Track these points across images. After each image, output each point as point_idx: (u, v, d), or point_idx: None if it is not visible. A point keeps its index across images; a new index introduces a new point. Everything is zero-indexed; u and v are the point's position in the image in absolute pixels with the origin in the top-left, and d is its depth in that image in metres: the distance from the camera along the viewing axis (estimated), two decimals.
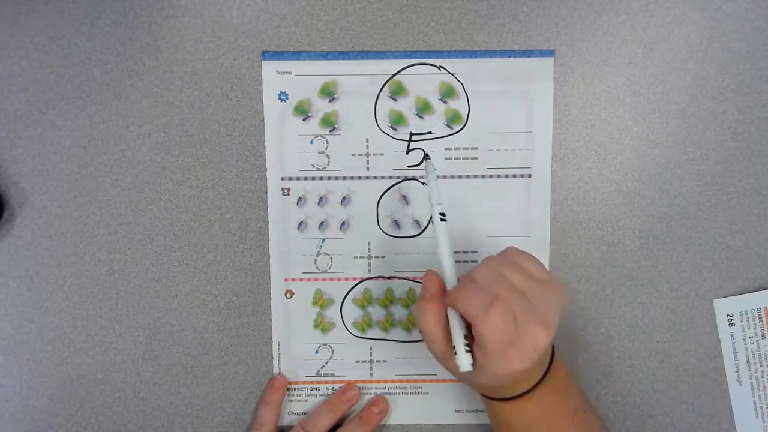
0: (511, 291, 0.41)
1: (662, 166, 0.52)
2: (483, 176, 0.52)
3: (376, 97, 0.52)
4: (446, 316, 0.43)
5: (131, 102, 0.52)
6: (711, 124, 0.52)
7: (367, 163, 0.53)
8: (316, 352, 0.54)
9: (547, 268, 0.53)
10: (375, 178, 0.53)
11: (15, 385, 0.53)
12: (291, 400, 0.54)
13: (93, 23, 0.51)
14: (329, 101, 0.52)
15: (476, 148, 0.52)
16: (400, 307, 0.54)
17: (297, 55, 0.51)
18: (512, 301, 0.40)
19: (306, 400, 0.54)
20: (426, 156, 0.51)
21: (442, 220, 0.44)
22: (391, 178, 0.53)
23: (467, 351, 0.42)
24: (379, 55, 0.51)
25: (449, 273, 0.44)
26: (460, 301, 0.42)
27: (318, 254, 0.53)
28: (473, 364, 0.42)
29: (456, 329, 0.43)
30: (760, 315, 0.52)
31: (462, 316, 0.42)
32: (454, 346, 0.42)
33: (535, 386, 0.44)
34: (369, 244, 0.53)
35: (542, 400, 0.44)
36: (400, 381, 0.54)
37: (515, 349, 0.40)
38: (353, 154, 0.52)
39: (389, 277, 0.54)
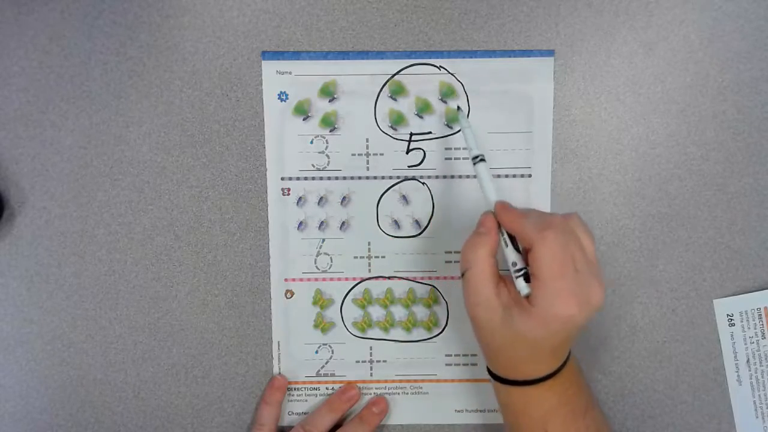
0: (570, 234, 0.42)
1: (662, 166, 0.52)
2: None
3: (376, 97, 0.52)
4: (495, 256, 0.43)
5: (131, 102, 0.52)
6: (711, 124, 0.52)
7: (367, 163, 0.53)
8: (316, 352, 0.54)
9: None
10: (375, 178, 0.53)
11: (15, 385, 0.53)
12: (291, 400, 0.54)
13: (93, 23, 0.51)
14: (329, 101, 0.52)
15: None
16: (400, 307, 0.54)
17: (297, 55, 0.51)
18: (569, 242, 0.41)
19: (306, 400, 0.54)
20: (459, 108, 0.51)
21: (481, 160, 0.46)
22: (391, 178, 0.53)
23: (523, 277, 0.42)
24: (379, 55, 0.51)
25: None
26: (516, 222, 0.43)
27: (318, 254, 0.53)
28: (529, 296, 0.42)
29: (511, 253, 0.43)
30: (760, 315, 0.52)
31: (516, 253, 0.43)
32: (516, 272, 0.42)
33: (557, 371, 0.44)
34: (369, 244, 0.53)
35: (560, 391, 0.44)
36: (400, 381, 0.54)
37: (572, 287, 0.40)
38: (353, 154, 0.52)
39: (389, 277, 0.54)
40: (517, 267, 0.43)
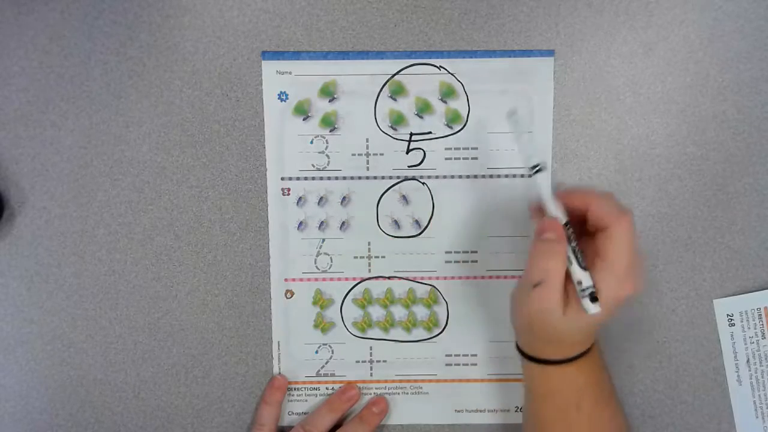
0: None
1: (662, 166, 0.52)
2: (483, 176, 0.52)
3: (376, 97, 0.52)
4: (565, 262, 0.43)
5: (131, 102, 0.52)
6: (711, 124, 0.52)
7: (367, 163, 0.53)
8: (316, 352, 0.54)
9: None
10: (375, 178, 0.53)
11: (15, 385, 0.53)
12: (291, 400, 0.54)
13: (93, 23, 0.51)
14: (329, 101, 0.52)
15: (476, 148, 0.52)
16: (400, 307, 0.54)
17: (297, 55, 0.51)
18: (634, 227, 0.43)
19: (306, 400, 0.54)
20: (514, 112, 0.50)
21: (537, 171, 0.45)
22: (391, 178, 0.53)
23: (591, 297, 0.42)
24: (379, 55, 0.51)
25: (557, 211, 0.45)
26: (590, 199, 0.44)
27: (318, 254, 0.53)
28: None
29: (577, 270, 0.42)
30: (760, 315, 0.52)
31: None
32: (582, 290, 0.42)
33: (588, 350, 0.45)
34: (369, 244, 0.53)
35: (591, 370, 0.46)
36: (400, 381, 0.54)
37: (634, 270, 0.42)
38: (353, 154, 0.52)
39: (389, 277, 0.54)
40: (584, 286, 0.42)
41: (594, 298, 0.42)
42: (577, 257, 0.43)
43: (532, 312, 0.43)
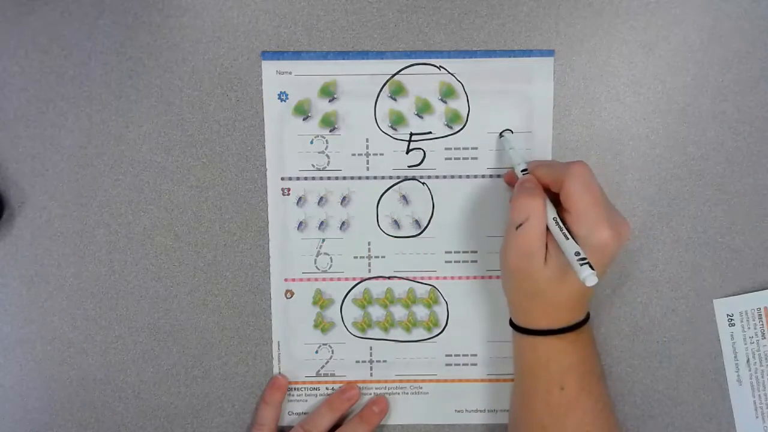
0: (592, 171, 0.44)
1: (662, 166, 0.52)
2: (483, 176, 0.52)
3: (376, 97, 0.52)
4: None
5: (131, 102, 0.52)
6: (711, 124, 0.52)
7: (367, 163, 0.53)
8: (316, 352, 0.54)
9: None
10: (375, 178, 0.53)
11: (15, 385, 0.53)
12: (291, 400, 0.54)
13: (93, 23, 0.51)
14: (329, 101, 0.52)
15: (476, 148, 0.52)
16: (400, 307, 0.54)
17: (297, 55, 0.51)
18: (594, 176, 0.44)
19: (306, 400, 0.54)
20: (501, 134, 0.52)
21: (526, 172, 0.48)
22: (391, 178, 0.53)
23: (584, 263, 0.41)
24: (379, 55, 0.51)
25: None
26: (543, 167, 0.46)
27: (318, 254, 0.53)
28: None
29: (571, 244, 0.42)
30: (760, 315, 0.52)
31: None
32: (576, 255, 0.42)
33: (581, 324, 0.46)
34: (369, 244, 0.53)
35: (582, 347, 0.47)
36: (400, 381, 0.54)
37: (605, 215, 0.42)
38: (353, 154, 0.52)
39: (389, 277, 0.54)
40: (581, 256, 0.42)
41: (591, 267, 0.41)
42: (560, 227, 0.43)
43: (516, 259, 0.45)
